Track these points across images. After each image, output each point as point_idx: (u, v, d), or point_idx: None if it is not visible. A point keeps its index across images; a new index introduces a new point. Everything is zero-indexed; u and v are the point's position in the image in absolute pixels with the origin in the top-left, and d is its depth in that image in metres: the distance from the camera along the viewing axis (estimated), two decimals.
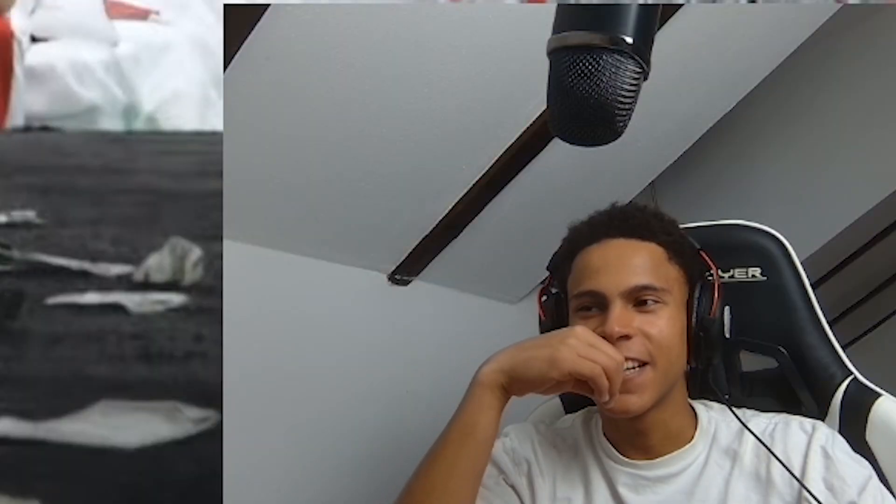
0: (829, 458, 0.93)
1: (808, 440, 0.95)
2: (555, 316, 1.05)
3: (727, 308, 1.01)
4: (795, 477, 0.91)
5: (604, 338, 0.93)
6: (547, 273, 1.97)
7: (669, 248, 1.00)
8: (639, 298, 0.96)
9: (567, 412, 1.20)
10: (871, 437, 1.01)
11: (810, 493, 0.90)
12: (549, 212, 1.78)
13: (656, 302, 0.96)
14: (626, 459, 1.00)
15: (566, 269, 1.04)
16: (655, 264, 0.98)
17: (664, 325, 0.95)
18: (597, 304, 0.97)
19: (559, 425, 1.11)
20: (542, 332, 1.06)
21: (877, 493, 0.91)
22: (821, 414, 1.06)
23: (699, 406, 1.04)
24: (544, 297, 1.07)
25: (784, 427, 0.97)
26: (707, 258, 1.03)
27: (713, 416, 1.02)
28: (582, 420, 1.09)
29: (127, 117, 2.45)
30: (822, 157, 2.02)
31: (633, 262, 0.97)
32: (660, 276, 0.97)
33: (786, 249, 1.13)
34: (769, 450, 0.94)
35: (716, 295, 0.99)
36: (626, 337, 0.94)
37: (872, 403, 1.02)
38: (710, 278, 1.02)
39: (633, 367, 0.93)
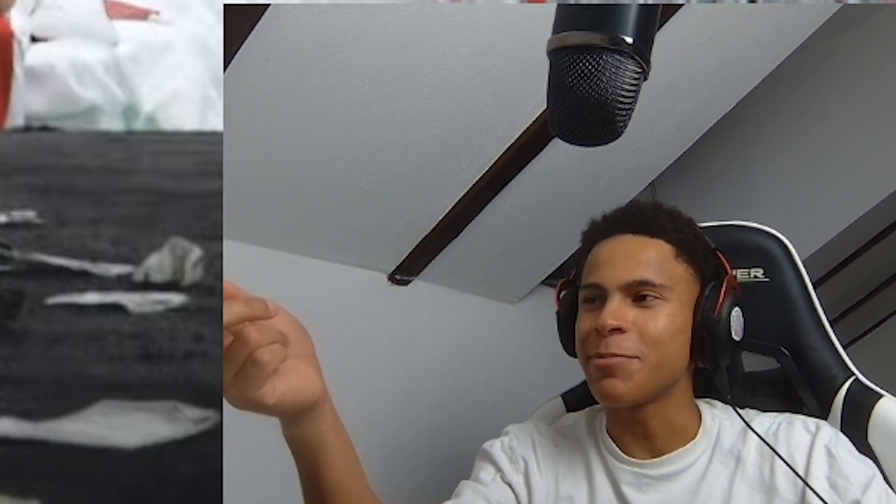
0: (833, 457, 0.92)
1: (812, 440, 0.94)
2: (567, 307, 1.07)
3: (737, 309, 1.00)
4: (800, 476, 0.91)
5: (596, 330, 0.95)
6: (548, 272, 1.97)
7: (679, 246, 1.00)
8: (638, 293, 0.96)
9: (569, 411, 1.20)
10: (873, 437, 1.00)
11: (815, 492, 0.90)
12: (549, 212, 1.79)
13: (656, 298, 0.96)
14: (630, 458, 1.00)
15: (582, 263, 1.05)
16: (661, 261, 0.98)
17: (661, 322, 0.95)
18: (598, 297, 0.98)
19: (561, 423, 1.11)
20: (557, 324, 1.09)
21: (881, 491, 0.91)
22: (823, 414, 1.06)
23: (703, 405, 1.04)
24: (563, 293, 1.09)
25: (787, 426, 0.97)
26: (723, 259, 1.03)
27: (717, 415, 1.02)
28: (585, 419, 1.09)
29: (127, 117, 2.45)
30: (822, 157, 2.02)
31: (637, 258, 0.98)
32: (663, 272, 0.97)
33: (788, 250, 1.13)
34: (773, 450, 0.94)
35: (721, 295, 0.98)
36: (619, 330, 0.94)
37: (874, 404, 1.02)
38: (720, 285, 1.01)
39: (620, 358, 0.95)
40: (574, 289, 1.07)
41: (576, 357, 1.06)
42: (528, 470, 1.03)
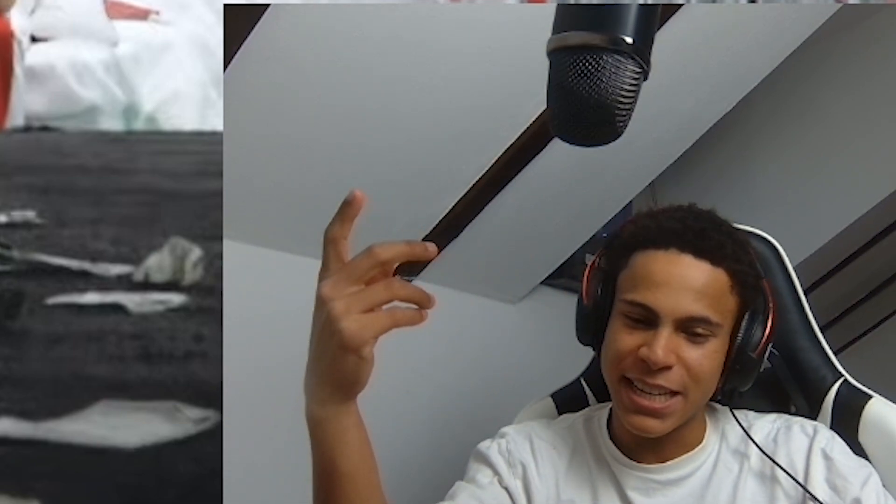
0: (830, 459, 0.94)
1: (810, 443, 0.96)
2: (598, 302, 0.99)
3: (770, 346, 0.97)
4: (801, 484, 0.92)
5: (643, 361, 0.90)
6: (548, 272, 1.96)
7: (735, 278, 0.93)
8: (690, 329, 0.91)
9: (559, 411, 1.19)
10: (864, 436, 1.03)
11: (813, 497, 0.91)
12: (549, 212, 1.78)
13: (708, 336, 0.92)
14: (636, 463, 1.00)
15: (621, 262, 0.97)
16: (718, 294, 0.92)
17: (706, 360, 0.92)
18: (647, 320, 0.92)
19: (558, 425, 1.10)
20: (580, 316, 1.02)
21: (879, 487, 0.93)
22: (812, 414, 1.08)
23: (704, 409, 1.04)
24: (592, 276, 1.01)
25: (786, 431, 0.98)
26: (768, 290, 0.98)
27: (719, 419, 1.03)
28: (583, 420, 1.08)
29: (127, 117, 2.45)
30: (822, 158, 2.02)
31: (697, 288, 0.91)
32: (719, 308, 0.92)
33: (778, 253, 1.15)
34: (774, 461, 0.94)
35: (766, 333, 0.95)
36: (668, 368, 0.90)
37: (864, 405, 1.04)
38: (764, 323, 0.96)
39: (664, 395, 0.91)
40: (606, 280, 0.99)
41: (587, 346, 1.04)
42: (527, 475, 1.02)
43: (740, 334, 0.94)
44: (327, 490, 0.76)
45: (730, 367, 0.94)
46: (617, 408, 0.97)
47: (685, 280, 0.91)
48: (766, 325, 0.95)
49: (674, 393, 0.91)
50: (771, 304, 0.97)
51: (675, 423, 0.93)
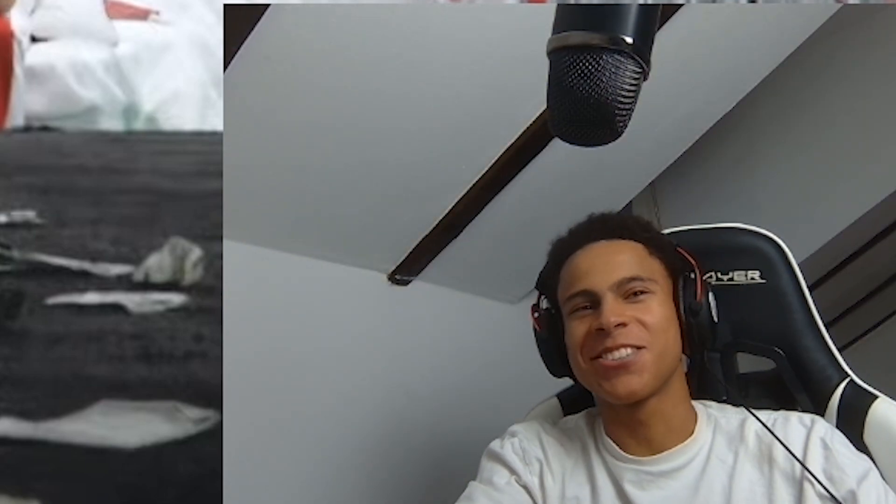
0: (829, 449, 0.94)
1: (808, 433, 0.96)
2: (550, 328, 1.08)
3: (712, 294, 1.04)
4: (798, 460, 0.93)
5: (600, 330, 0.97)
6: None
7: (649, 244, 1.05)
8: (628, 290, 1.00)
9: (564, 410, 1.20)
10: (869, 437, 1.02)
11: (811, 474, 0.91)
12: (550, 212, 1.78)
13: (644, 292, 1.00)
14: (630, 456, 1.01)
15: (554, 281, 1.08)
16: (638, 259, 1.03)
17: (656, 311, 0.99)
18: (589, 303, 1.01)
19: (563, 424, 1.11)
20: (540, 345, 1.11)
21: (878, 484, 0.92)
22: (818, 414, 1.06)
23: (697, 405, 1.05)
24: (537, 314, 1.11)
25: (784, 422, 0.98)
26: (686, 254, 1.07)
27: (712, 414, 1.04)
28: (585, 420, 1.10)
29: (127, 117, 2.45)
30: (822, 157, 2.02)
31: (618, 259, 1.02)
32: (644, 268, 1.02)
33: (784, 253, 1.14)
34: (773, 434, 0.95)
35: (698, 282, 1.03)
36: (623, 325, 0.97)
37: (870, 405, 1.03)
38: (693, 276, 1.05)
39: (629, 352, 0.96)
40: (548, 311, 1.09)
41: (560, 377, 1.09)
42: (542, 471, 1.04)
43: (681, 291, 1.03)
44: None
45: (685, 320, 1.02)
46: (599, 390, 1.01)
47: (606, 256, 1.03)
48: (696, 278, 1.04)
49: (637, 348, 0.97)
50: (693, 262, 1.06)
51: (652, 379, 0.97)
